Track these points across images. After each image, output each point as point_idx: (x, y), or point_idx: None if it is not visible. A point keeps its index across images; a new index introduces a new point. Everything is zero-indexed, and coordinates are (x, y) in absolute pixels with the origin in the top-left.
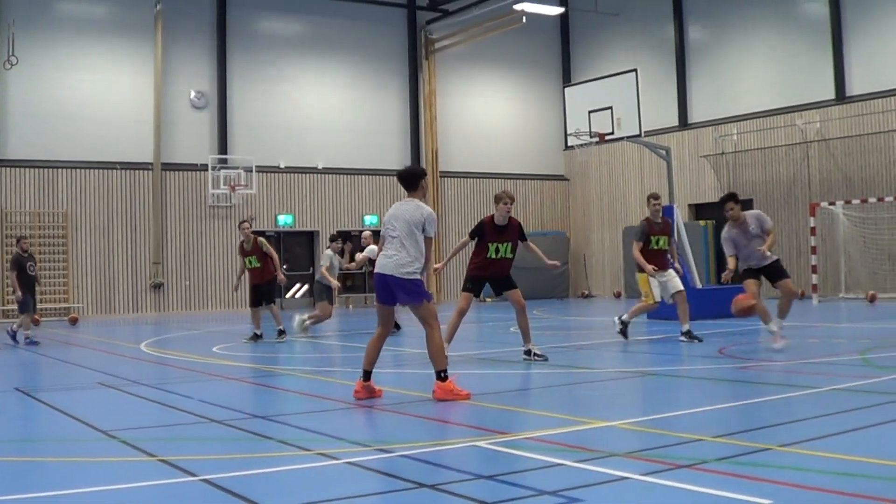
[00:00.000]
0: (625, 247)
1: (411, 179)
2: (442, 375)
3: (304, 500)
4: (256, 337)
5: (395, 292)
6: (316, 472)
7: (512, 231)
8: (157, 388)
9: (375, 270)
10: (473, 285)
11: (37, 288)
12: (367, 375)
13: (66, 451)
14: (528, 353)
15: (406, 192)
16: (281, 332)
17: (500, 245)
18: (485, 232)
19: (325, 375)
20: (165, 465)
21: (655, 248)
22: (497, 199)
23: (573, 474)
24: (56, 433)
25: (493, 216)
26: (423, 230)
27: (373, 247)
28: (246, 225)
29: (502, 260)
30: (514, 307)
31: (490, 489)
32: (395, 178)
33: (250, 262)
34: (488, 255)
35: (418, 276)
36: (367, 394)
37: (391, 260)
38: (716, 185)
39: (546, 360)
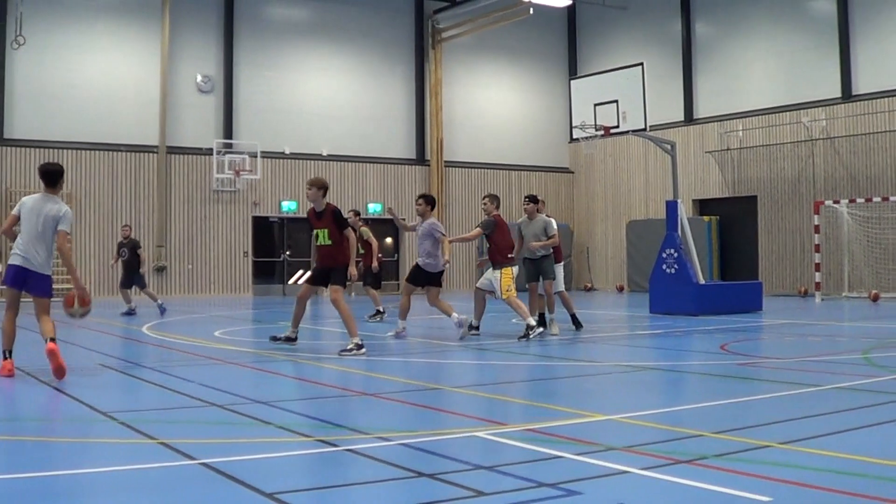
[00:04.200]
0: (629, 241)
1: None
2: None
3: (304, 486)
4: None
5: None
6: (315, 458)
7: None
8: (158, 371)
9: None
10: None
11: (137, 270)
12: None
13: (66, 432)
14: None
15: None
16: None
17: (318, 231)
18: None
19: (325, 362)
20: (164, 448)
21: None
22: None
23: (572, 467)
24: (55, 414)
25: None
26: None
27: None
28: (351, 214)
29: (321, 247)
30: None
31: (489, 479)
32: (400, 166)
33: (359, 248)
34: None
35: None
36: None
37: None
38: (720, 181)
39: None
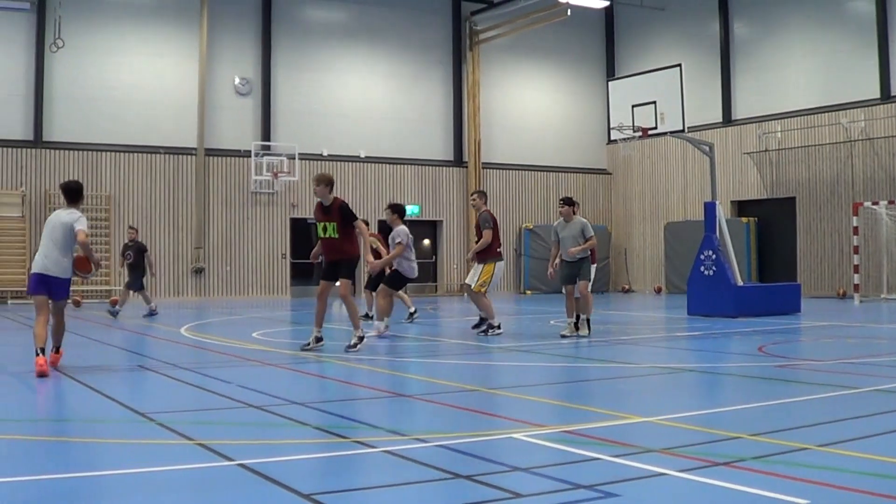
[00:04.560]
0: (667, 242)
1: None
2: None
3: (341, 488)
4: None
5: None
6: (352, 459)
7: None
8: (196, 372)
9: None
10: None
11: (139, 272)
12: None
13: (104, 433)
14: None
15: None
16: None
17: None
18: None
19: (363, 363)
20: (202, 449)
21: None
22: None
23: (610, 469)
24: (94, 414)
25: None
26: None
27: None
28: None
29: (326, 241)
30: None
31: (526, 481)
32: (438, 167)
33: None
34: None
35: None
36: None
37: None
38: (758, 183)
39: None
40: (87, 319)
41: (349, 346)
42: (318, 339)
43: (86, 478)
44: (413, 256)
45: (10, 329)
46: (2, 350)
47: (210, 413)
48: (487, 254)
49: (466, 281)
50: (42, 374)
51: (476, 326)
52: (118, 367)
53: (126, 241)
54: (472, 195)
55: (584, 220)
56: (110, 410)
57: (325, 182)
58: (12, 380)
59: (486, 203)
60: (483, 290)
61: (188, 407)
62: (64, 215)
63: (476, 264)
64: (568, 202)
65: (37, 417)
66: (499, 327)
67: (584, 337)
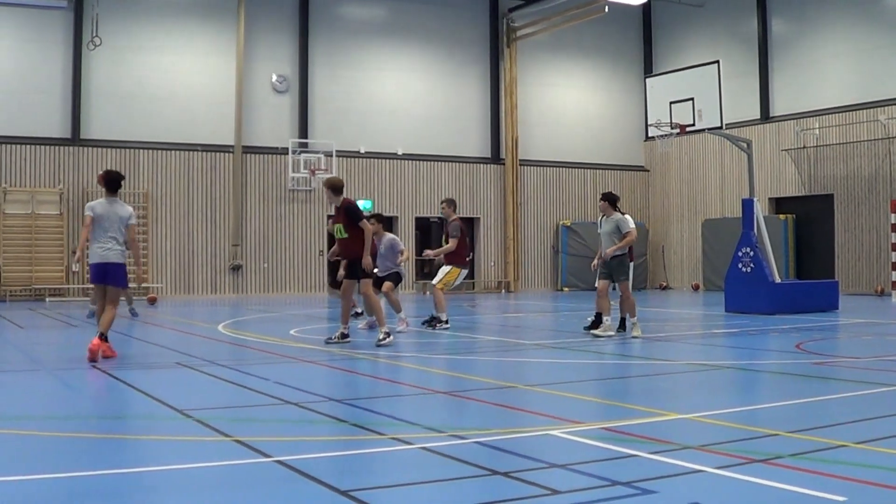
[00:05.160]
0: (704, 239)
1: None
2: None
3: (378, 484)
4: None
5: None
6: (390, 456)
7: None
8: (234, 369)
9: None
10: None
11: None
12: None
13: (143, 429)
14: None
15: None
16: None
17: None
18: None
19: (399, 360)
20: (240, 446)
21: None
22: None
23: (647, 465)
24: (133, 411)
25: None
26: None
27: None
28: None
29: (339, 241)
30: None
31: (563, 478)
32: (475, 164)
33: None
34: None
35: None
36: None
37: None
38: (796, 180)
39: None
40: (124, 317)
41: (379, 342)
42: (344, 336)
43: (125, 474)
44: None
45: (51, 327)
46: (44, 348)
47: (247, 410)
48: (456, 259)
49: (433, 281)
50: (92, 359)
51: (426, 322)
52: (157, 364)
53: None
54: (441, 203)
55: (622, 216)
56: (149, 407)
57: (329, 186)
58: (53, 377)
59: (455, 211)
60: (445, 289)
61: (226, 404)
62: (119, 209)
63: (445, 265)
64: (604, 197)
65: (77, 415)
66: (447, 322)
67: (612, 336)
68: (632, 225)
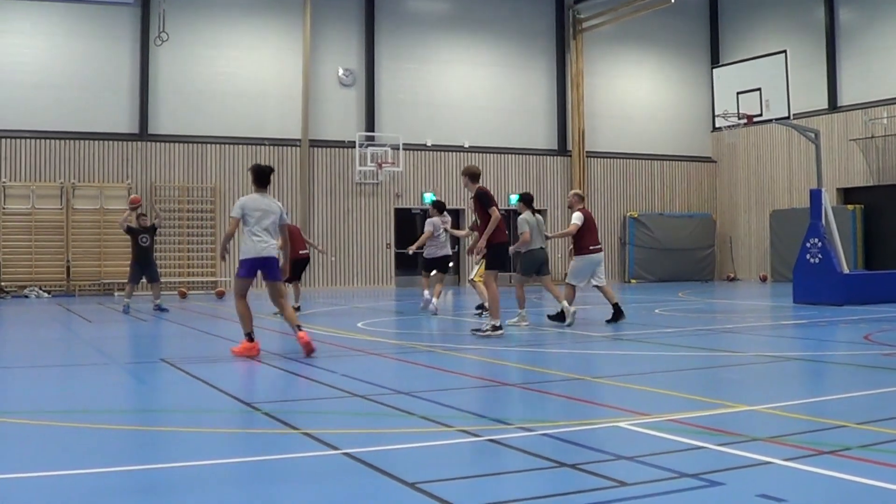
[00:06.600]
0: (772, 230)
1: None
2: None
3: (446, 476)
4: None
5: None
6: (457, 448)
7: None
8: (301, 362)
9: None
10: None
11: (154, 258)
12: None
13: (211, 423)
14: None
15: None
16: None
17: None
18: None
19: (466, 353)
20: (308, 438)
21: None
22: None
23: (715, 457)
24: (200, 404)
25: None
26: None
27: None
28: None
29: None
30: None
31: (631, 470)
32: (542, 157)
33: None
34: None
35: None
36: None
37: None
38: (865, 170)
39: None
40: (190, 310)
41: (476, 330)
42: (496, 328)
43: (192, 467)
44: (438, 243)
45: (120, 321)
46: (114, 343)
47: (316, 403)
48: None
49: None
50: (309, 351)
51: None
52: (223, 358)
53: (141, 224)
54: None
55: (523, 217)
56: (217, 400)
57: (467, 174)
58: (123, 371)
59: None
60: (481, 280)
61: (294, 396)
62: (270, 203)
63: (479, 258)
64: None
65: (145, 408)
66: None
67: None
68: (525, 228)
